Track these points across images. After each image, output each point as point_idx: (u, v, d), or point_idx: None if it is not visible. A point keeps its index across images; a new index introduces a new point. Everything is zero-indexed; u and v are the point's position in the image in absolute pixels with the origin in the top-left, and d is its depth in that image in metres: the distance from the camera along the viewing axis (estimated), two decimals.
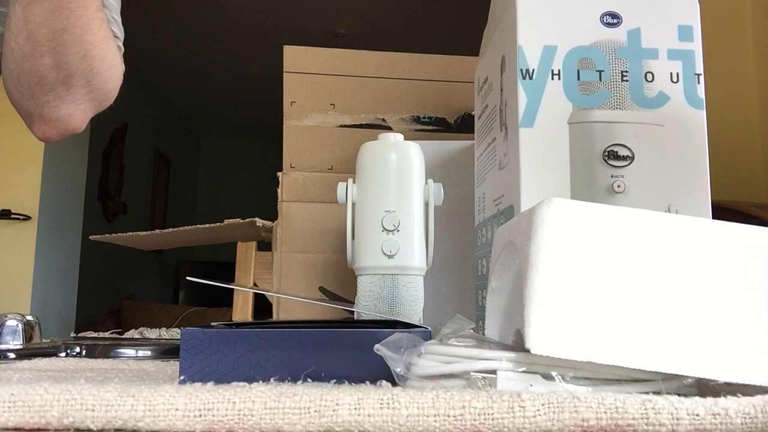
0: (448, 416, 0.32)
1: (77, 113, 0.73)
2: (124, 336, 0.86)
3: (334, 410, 0.32)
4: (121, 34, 0.78)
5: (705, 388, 0.38)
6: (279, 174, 1.00)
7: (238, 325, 0.48)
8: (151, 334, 0.89)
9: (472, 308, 0.78)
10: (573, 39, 0.58)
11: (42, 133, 0.74)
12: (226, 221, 1.06)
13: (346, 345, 0.43)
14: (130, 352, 0.66)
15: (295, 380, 0.41)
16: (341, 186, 0.73)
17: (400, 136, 0.73)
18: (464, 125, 1.04)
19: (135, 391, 0.33)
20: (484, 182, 0.70)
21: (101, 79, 0.71)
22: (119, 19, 0.78)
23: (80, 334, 0.84)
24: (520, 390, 0.34)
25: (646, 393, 0.35)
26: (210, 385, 0.35)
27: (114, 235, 1.17)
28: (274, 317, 0.97)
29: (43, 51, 0.66)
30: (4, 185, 2.75)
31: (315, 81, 1.03)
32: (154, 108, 4.94)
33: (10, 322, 0.65)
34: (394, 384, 0.38)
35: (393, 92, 1.04)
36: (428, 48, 1.18)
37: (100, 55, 0.69)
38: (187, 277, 0.58)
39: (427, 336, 0.43)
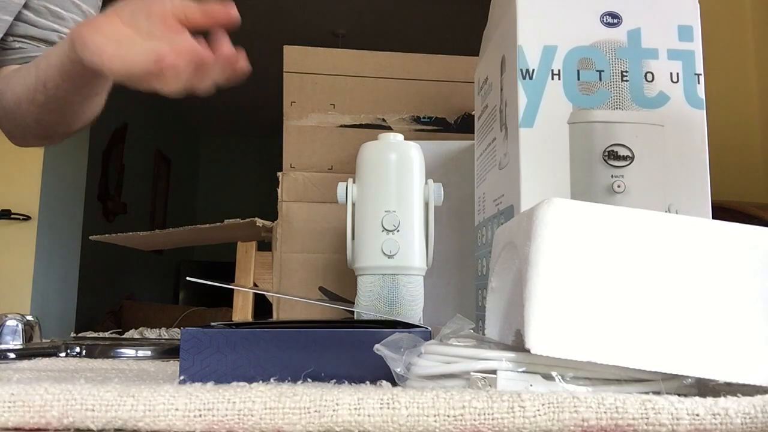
0: (448, 416, 0.32)
1: (57, 141, 0.81)
2: (124, 336, 0.86)
3: (334, 410, 0.32)
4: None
5: (705, 388, 0.38)
6: (279, 174, 1.00)
7: (238, 325, 0.48)
8: (151, 334, 0.89)
9: (472, 308, 0.78)
10: (573, 39, 0.58)
11: (18, 145, 0.82)
12: (226, 221, 1.06)
13: (346, 345, 0.43)
14: (130, 352, 0.66)
15: (295, 380, 0.41)
16: (341, 186, 0.73)
17: (400, 136, 0.73)
18: (464, 125, 1.04)
19: (135, 391, 0.33)
20: (484, 182, 0.70)
21: (88, 123, 0.78)
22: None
23: (80, 334, 0.84)
24: (520, 390, 0.34)
25: (646, 393, 0.35)
26: (210, 385, 0.35)
27: (114, 235, 1.17)
28: (274, 317, 0.97)
29: (49, 131, 0.74)
30: (4, 185, 2.75)
31: (315, 81, 1.03)
32: (154, 108, 4.93)
33: (10, 322, 0.65)
34: (394, 384, 0.38)
35: (393, 92, 1.04)
36: (428, 48, 1.18)
37: (94, 114, 0.76)
38: (187, 278, 0.58)
39: (427, 336, 0.43)
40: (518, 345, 0.38)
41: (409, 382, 0.39)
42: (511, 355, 0.37)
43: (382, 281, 0.69)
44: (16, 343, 0.64)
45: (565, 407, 0.32)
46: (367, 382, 0.41)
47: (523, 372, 0.37)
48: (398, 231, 0.69)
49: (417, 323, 0.61)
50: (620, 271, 0.37)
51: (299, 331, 0.43)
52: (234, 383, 0.36)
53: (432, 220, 0.72)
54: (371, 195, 0.71)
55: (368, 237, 0.70)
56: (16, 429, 0.33)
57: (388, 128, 1.03)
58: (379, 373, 0.41)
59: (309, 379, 0.42)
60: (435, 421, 0.32)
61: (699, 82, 0.58)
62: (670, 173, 0.57)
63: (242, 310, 1.17)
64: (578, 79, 0.58)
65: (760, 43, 1.57)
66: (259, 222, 1.04)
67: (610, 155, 0.57)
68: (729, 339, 0.37)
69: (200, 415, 0.33)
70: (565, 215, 0.38)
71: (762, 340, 0.37)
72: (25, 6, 0.77)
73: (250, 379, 0.40)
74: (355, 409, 0.33)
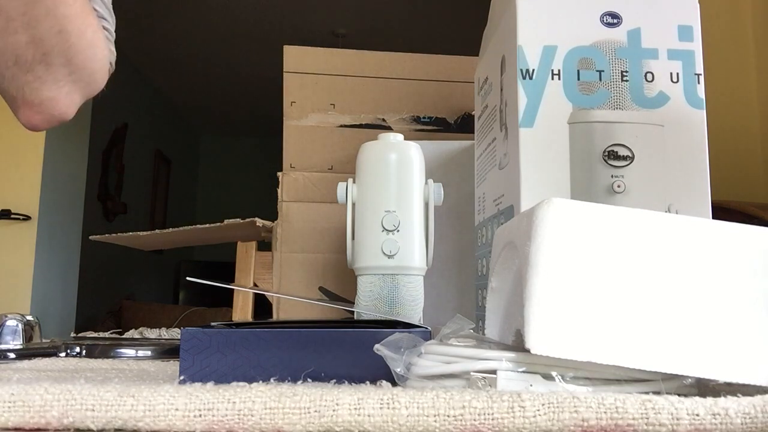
0: (448, 416, 0.32)
1: (61, 96, 0.70)
2: (124, 336, 0.86)
3: (334, 410, 0.32)
4: (109, 17, 0.75)
5: (705, 388, 0.38)
6: (279, 174, 1.00)
7: (238, 325, 0.48)
8: (151, 334, 0.89)
9: (472, 308, 0.78)
10: (573, 39, 0.58)
11: (27, 120, 0.72)
12: (226, 221, 1.06)
13: (346, 345, 0.43)
14: (130, 352, 0.66)
15: (295, 380, 0.41)
16: (341, 186, 0.73)
17: (400, 136, 0.73)
18: (464, 125, 1.04)
19: (135, 391, 0.33)
20: (484, 182, 0.70)
21: (82, 58, 0.69)
22: (108, 2, 0.75)
23: (80, 334, 0.84)
24: (520, 390, 0.34)
25: (646, 393, 0.35)
26: (210, 385, 0.35)
27: (114, 235, 1.17)
28: (274, 317, 0.97)
29: (16, 26, 0.64)
30: (4, 185, 2.75)
31: (315, 81, 1.03)
32: (154, 108, 4.93)
33: (10, 322, 0.65)
34: (394, 384, 0.38)
35: (393, 92, 1.04)
36: (428, 48, 1.18)
37: (77, 31, 0.67)
38: (187, 278, 0.58)
39: (427, 336, 0.43)
40: (518, 345, 0.38)
41: (409, 382, 0.39)
42: (511, 355, 0.37)
43: (382, 281, 0.69)
44: (16, 343, 0.64)
45: (565, 407, 0.32)
46: (367, 382, 0.41)
47: (523, 372, 0.37)
48: (398, 231, 0.69)
49: (417, 323, 0.61)
50: (620, 271, 0.37)
51: (299, 331, 0.43)
52: (234, 383, 0.36)
53: (432, 220, 0.72)
54: (371, 195, 0.71)
55: (368, 237, 0.70)
56: (16, 429, 0.33)
57: (388, 128, 1.03)
58: (379, 373, 0.41)
59: (309, 379, 0.42)
60: (435, 421, 0.32)
61: (699, 82, 0.58)
62: (670, 173, 0.57)
63: (242, 310, 1.17)
64: (578, 79, 0.58)
65: (760, 43, 1.57)
66: (259, 222, 1.04)
67: (610, 155, 0.57)
68: (729, 339, 0.37)
69: (200, 415, 0.33)
70: (565, 215, 0.38)
71: (762, 340, 0.37)
72: None
73: (250, 379, 0.40)
74: (355, 409, 0.33)
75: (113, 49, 0.75)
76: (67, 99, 0.71)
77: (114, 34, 0.76)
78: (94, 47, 0.70)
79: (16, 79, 0.68)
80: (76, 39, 0.67)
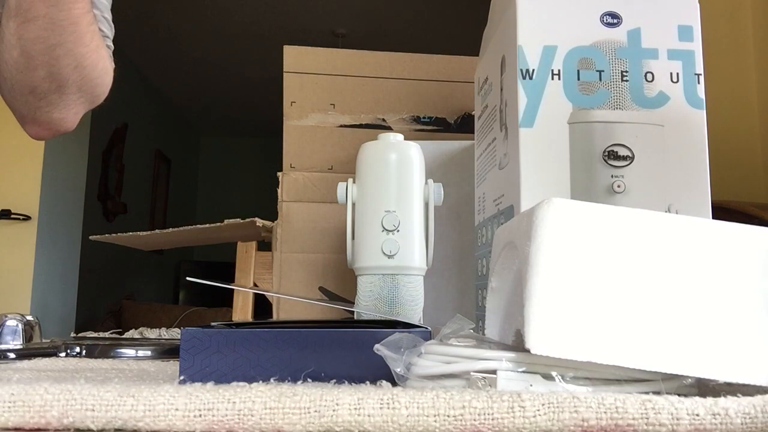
0: (448, 416, 0.32)
1: (69, 116, 0.75)
2: (124, 336, 0.86)
3: (334, 410, 0.32)
4: (110, 32, 0.79)
5: (705, 388, 0.38)
6: (279, 174, 1.00)
7: (238, 325, 0.48)
8: (151, 334, 0.89)
9: (472, 308, 0.78)
10: (573, 39, 0.58)
11: (34, 134, 0.77)
12: (226, 221, 1.06)
13: (346, 345, 0.43)
14: (130, 352, 0.66)
15: (295, 380, 0.41)
16: (341, 186, 0.73)
17: (400, 136, 0.73)
18: (464, 125, 1.04)
19: (135, 391, 0.33)
20: (484, 182, 0.70)
21: (92, 85, 0.74)
22: (109, 17, 0.79)
23: (80, 334, 0.84)
24: (520, 390, 0.34)
25: (646, 393, 0.35)
26: (210, 385, 0.35)
27: (114, 235, 1.17)
28: (274, 317, 0.97)
29: (36, 65, 0.68)
30: (4, 185, 2.75)
31: (315, 81, 1.03)
32: (154, 108, 4.93)
33: (10, 322, 0.65)
34: (394, 384, 0.38)
35: (393, 92, 1.04)
36: (428, 48, 1.18)
37: (92, 64, 0.72)
38: (187, 278, 0.58)
39: (427, 336, 0.43)
40: (518, 345, 0.38)
41: (409, 382, 0.39)
42: (511, 355, 0.37)
43: (382, 281, 0.69)
44: (16, 343, 0.64)
45: (565, 407, 0.32)
46: (367, 382, 0.41)
47: (523, 372, 0.37)
48: (398, 231, 0.69)
49: (417, 323, 0.61)
50: (620, 271, 0.37)
51: (299, 331, 0.43)
52: (234, 383, 0.36)
53: (432, 220, 0.72)
54: (371, 195, 0.71)
55: (368, 237, 0.70)
56: (16, 429, 0.33)
57: (388, 128, 1.03)
58: (379, 373, 0.41)
59: (309, 379, 0.42)
60: (435, 421, 0.32)
61: (699, 82, 0.58)
62: (670, 173, 0.57)
63: (242, 310, 1.17)
64: (578, 79, 0.58)
65: (760, 43, 1.57)
66: (259, 222, 1.04)
67: (610, 155, 0.57)
68: (729, 339, 0.37)
69: (200, 415, 0.33)
70: (565, 215, 0.38)
71: (762, 340, 0.37)
72: None
73: (250, 379, 0.40)
74: (355, 409, 0.33)
75: (113, 63, 0.79)
76: (74, 117, 0.76)
77: (113, 45, 0.80)
78: (104, 75, 0.75)
79: (30, 104, 0.73)
80: (90, 71, 0.72)
